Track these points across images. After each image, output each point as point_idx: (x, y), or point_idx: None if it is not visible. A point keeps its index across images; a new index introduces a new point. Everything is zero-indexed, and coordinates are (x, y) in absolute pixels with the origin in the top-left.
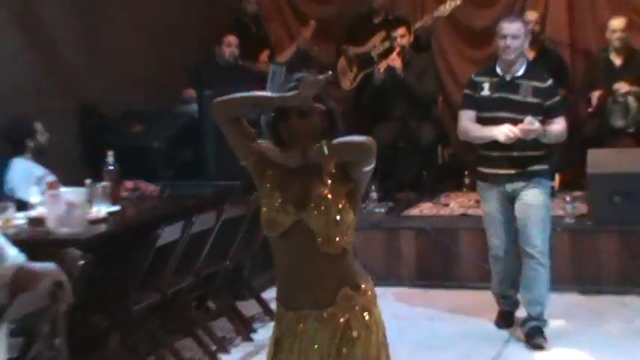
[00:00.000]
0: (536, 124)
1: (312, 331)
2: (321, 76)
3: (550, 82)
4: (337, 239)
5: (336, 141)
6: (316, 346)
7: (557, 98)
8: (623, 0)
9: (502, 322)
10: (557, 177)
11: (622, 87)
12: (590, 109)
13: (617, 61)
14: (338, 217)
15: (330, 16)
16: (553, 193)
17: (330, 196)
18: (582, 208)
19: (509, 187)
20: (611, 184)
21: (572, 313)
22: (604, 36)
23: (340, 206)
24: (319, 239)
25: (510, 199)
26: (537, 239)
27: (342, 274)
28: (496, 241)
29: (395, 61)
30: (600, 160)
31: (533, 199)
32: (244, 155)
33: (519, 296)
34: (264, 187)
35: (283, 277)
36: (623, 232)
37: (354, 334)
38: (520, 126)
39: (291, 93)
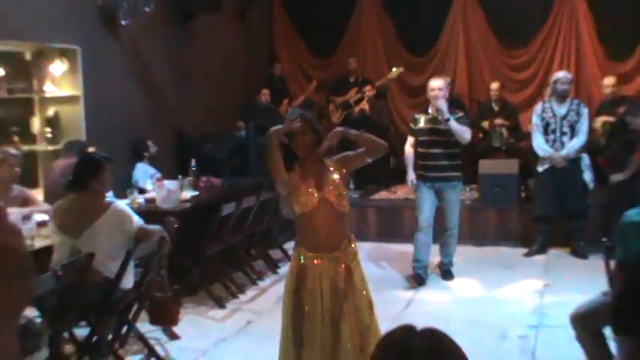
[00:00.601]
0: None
1: (325, 265)
2: (295, 122)
3: (461, 114)
4: (343, 203)
5: (365, 133)
6: (328, 273)
7: (465, 120)
8: (499, 70)
9: (415, 283)
10: None
11: (498, 122)
12: (480, 135)
13: (496, 107)
14: (342, 191)
15: (324, 77)
16: None
17: (336, 179)
18: (475, 194)
19: (436, 185)
20: (492, 180)
21: (469, 257)
22: (488, 92)
23: (341, 184)
24: (335, 202)
25: (436, 192)
26: (452, 221)
27: (344, 231)
28: (422, 217)
29: (364, 105)
30: (486, 166)
31: (451, 197)
32: (284, 183)
33: (438, 249)
34: (296, 188)
35: (308, 232)
36: (499, 209)
37: (351, 268)
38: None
39: (280, 127)
